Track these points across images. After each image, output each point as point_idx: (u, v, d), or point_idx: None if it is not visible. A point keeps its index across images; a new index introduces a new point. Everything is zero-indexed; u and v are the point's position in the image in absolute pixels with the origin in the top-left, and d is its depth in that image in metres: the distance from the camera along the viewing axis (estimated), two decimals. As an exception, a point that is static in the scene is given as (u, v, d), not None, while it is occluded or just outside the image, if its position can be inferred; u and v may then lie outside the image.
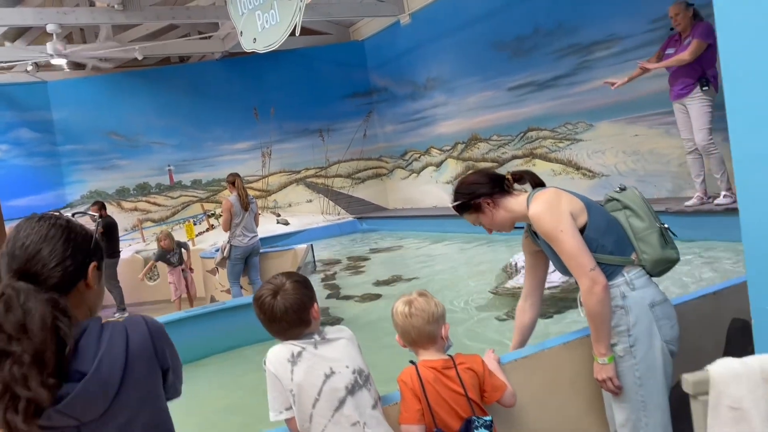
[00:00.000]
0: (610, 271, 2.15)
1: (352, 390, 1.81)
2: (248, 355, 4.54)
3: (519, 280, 4.90)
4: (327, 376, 1.79)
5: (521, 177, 2.36)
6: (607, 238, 2.20)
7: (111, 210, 11.19)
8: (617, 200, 2.33)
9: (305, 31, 9.24)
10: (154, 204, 12.63)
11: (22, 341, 1.08)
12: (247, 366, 4.32)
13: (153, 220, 12.50)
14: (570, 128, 8.57)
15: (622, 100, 7.58)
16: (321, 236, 10.94)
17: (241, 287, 7.36)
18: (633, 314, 2.13)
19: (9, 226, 8.83)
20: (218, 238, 10.66)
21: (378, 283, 6.31)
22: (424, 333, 2.00)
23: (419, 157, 12.10)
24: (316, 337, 1.85)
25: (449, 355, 2.07)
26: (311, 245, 8.00)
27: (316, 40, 12.98)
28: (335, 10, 10.71)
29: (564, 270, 2.28)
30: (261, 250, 7.56)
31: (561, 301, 4.45)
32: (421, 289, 2.18)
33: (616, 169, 7.97)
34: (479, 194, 2.28)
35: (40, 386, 1.07)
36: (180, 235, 10.55)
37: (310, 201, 13.03)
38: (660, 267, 2.22)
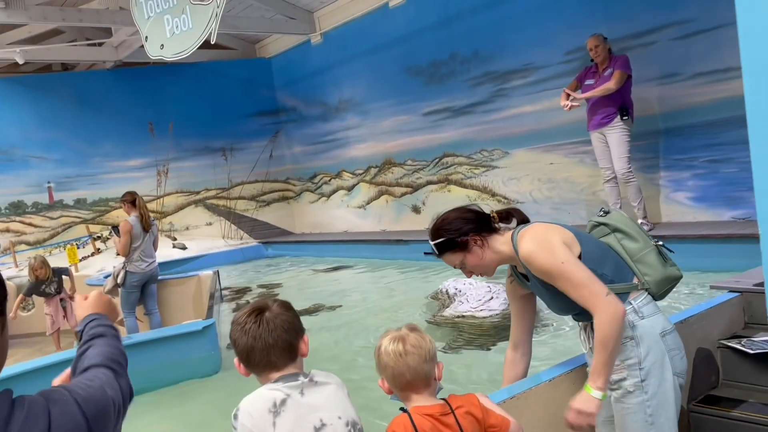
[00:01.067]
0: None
1: None
2: (163, 400, 3.88)
3: (458, 308, 4.66)
4: (317, 430, 1.52)
5: (508, 215, 2.17)
6: (605, 267, 2.04)
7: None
8: (604, 224, 2.19)
9: (208, 44, 8.65)
10: (30, 225, 11.29)
11: None
12: (154, 415, 3.66)
13: (28, 243, 11.15)
14: (486, 155, 8.59)
15: (538, 128, 7.69)
16: (223, 262, 10.23)
17: (137, 319, 6.59)
18: (644, 345, 1.97)
19: None
20: (106, 262, 9.68)
21: (300, 313, 5.82)
22: (421, 374, 1.72)
23: (330, 180, 11.75)
24: (302, 378, 1.59)
25: (443, 399, 1.77)
26: (217, 271, 7.36)
27: (220, 54, 12.37)
28: (243, 23, 10.22)
29: (560, 309, 2.13)
30: (159, 277, 6.84)
31: (503, 331, 4.24)
32: (411, 323, 1.88)
33: (531, 196, 8.05)
34: (467, 231, 2.06)
35: None
36: (61, 259, 9.45)
37: (210, 224, 12.24)
38: (664, 287, 2.09)
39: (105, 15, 9.20)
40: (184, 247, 10.90)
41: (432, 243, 2.08)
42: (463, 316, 4.46)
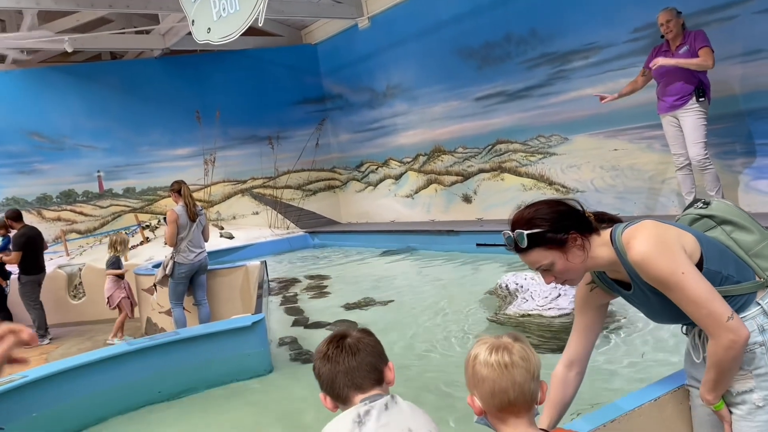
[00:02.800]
0: (742, 302, 1.73)
1: None
2: (211, 402, 3.67)
3: (522, 306, 4.30)
4: None
5: (600, 216, 1.85)
6: (728, 267, 1.74)
7: (30, 220, 9.96)
8: (709, 217, 1.87)
9: (253, 31, 8.48)
10: (81, 213, 11.39)
11: None
12: (201, 419, 3.45)
13: (79, 232, 11.27)
14: (543, 141, 8.15)
15: (600, 112, 7.20)
16: (270, 251, 10.09)
17: (185, 309, 6.48)
18: None
19: None
20: (154, 252, 9.66)
21: (349, 307, 5.57)
22: (527, 394, 1.45)
23: (377, 168, 11.47)
24: (387, 397, 1.49)
25: (544, 431, 1.53)
26: (264, 262, 7.18)
27: (266, 41, 12.21)
28: (289, 8, 10.00)
29: (669, 319, 1.85)
30: (208, 267, 6.71)
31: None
32: (512, 331, 1.61)
33: (593, 185, 7.58)
34: (568, 226, 1.73)
35: None
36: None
37: (257, 213, 12.14)
38: None
39: (152, 0, 9.11)
40: (231, 237, 10.82)
41: (525, 232, 1.71)
42: (530, 315, 4.11)
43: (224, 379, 3.83)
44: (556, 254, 1.73)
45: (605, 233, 1.78)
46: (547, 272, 1.77)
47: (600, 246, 1.76)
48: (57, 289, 9.21)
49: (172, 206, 6.53)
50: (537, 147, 8.25)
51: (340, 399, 1.51)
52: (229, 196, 12.08)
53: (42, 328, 8.14)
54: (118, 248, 7.54)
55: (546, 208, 1.77)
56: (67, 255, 10.40)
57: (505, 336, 1.51)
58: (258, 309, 4.57)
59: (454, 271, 6.99)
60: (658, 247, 1.64)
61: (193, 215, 6.37)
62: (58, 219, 11.18)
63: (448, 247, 8.13)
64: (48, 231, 10.56)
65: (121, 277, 7.53)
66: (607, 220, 1.84)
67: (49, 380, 3.42)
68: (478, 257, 7.28)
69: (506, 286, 4.98)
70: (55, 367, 3.54)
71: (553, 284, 4.51)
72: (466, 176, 9.45)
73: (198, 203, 6.74)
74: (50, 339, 8.15)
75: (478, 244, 7.80)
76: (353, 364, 1.50)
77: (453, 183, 9.73)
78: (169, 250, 6.48)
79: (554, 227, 1.72)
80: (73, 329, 8.77)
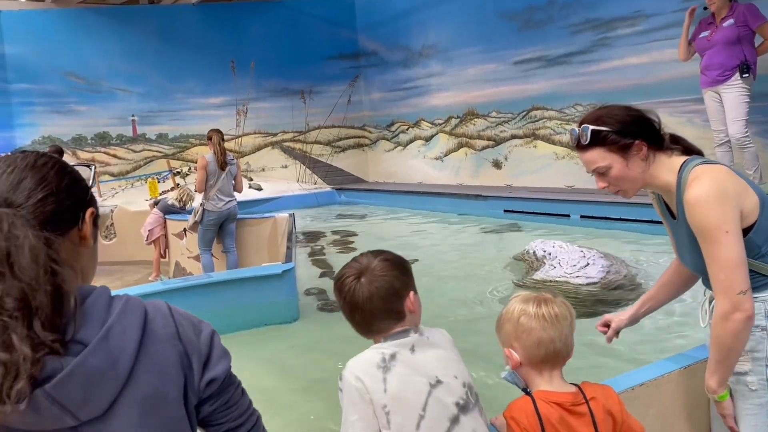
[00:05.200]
0: (762, 284, 1.65)
1: (464, 407, 1.35)
2: (240, 344, 3.75)
3: (549, 272, 4.32)
4: (432, 387, 1.33)
5: (677, 140, 1.75)
6: None
7: (65, 160, 10.13)
8: None
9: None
10: (114, 156, 11.59)
11: (5, 278, 0.79)
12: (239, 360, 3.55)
13: (112, 174, 11.48)
14: (580, 110, 8.00)
15: (642, 83, 7.04)
16: (297, 205, 10.17)
17: (213, 256, 6.61)
18: None
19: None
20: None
21: (375, 266, 5.63)
22: (569, 346, 1.49)
23: (407, 129, 11.40)
24: (413, 335, 1.40)
25: (576, 385, 1.51)
26: (293, 214, 7.26)
27: (303, -8, 12.07)
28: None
29: (694, 266, 1.77)
30: (238, 216, 6.80)
31: (603, 301, 3.88)
32: (543, 292, 1.60)
33: (627, 157, 7.46)
34: (637, 133, 1.64)
35: (25, 343, 0.77)
36: (142, 192, 9.66)
37: (286, 167, 12.21)
38: None
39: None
40: (259, 188, 10.93)
41: (591, 127, 1.64)
42: (556, 282, 4.12)
43: (253, 324, 3.94)
44: (616, 158, 1.64)
45: (676, 159, 1.70)
46: (602, 176, 1.69)
47: (665, 168, 1.68)
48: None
49: (205, 153, 6.60)
50: (573, 115, 8.11)
51: (360, 332, 1.47)
52: (259, 148, 12.15)
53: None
54: (185, 199, 7.69)
55: (620, 110, 1.69)
56: (100, 196, 10.61)
57: (544, 293, 1.54)
58: (288, 258, 4.65)
59: (481, 235, 7.00)
60: (715, 198, 1.57)
61: (222, 164, 6.42)
62: (92, 160, 11.37)
63: (475, 212, 8.12)
64: (83, 172, 10.74)
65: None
66: (684, 146, 1.74)
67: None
68: (505, 224, 7.26)
69: (534, 252, 4.98)
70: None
71: (581, 253, 4.53)
72: (497, 141, 9.36)
73: (230, 153, 6.80)
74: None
75: (505, 210, 7.79)
76: (366, 315, 1.41)
77: (484, 147, 9.64)
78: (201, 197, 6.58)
79: (622, 130, 1.63)
80: (104, 269, 8.98)
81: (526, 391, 1.49)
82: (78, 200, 0.97)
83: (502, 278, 4.77)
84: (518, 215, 7.50)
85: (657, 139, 1.68)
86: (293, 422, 2.70)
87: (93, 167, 1.11)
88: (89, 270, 1.01)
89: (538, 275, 4.35)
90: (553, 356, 1.47)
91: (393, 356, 1.34)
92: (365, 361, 1.35)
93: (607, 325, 2.06)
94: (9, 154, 0.96)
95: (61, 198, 0.93)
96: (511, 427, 1.43)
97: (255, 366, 3.37)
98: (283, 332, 3.89)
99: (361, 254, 1.48)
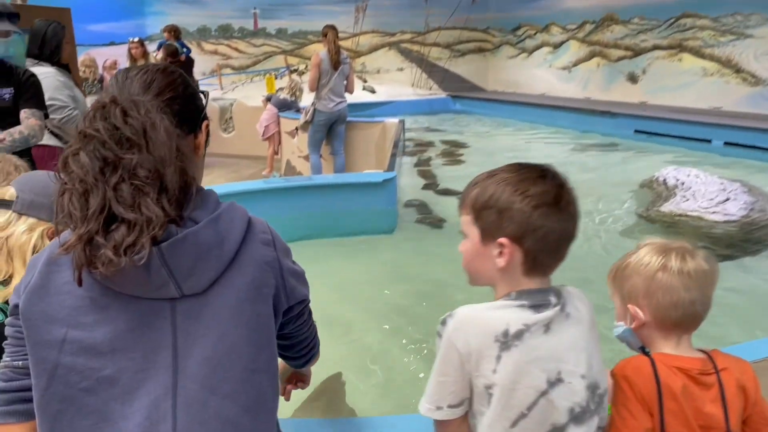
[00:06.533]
0: None
1: (579, 417, 1.09)
2: (335, 251, 3.71)
3: (680, 205, 3.82)
4: (550, 385, 1.07)
5: None
6: None
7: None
8: None
9: None
10: (236, 50, 11.74)
11: (141, 150, 0.86)
12: (333, 265, 3.49)
13: (233, 67, 11.68)
14: (740, 20, 6.89)
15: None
16: (409, 111, 9.88)
17: (322, 157, 6.58)
18: None
19: (85, 53, 8.26)
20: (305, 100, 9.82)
21: (485, 183, 5.31)
22: (706, 311, 1.23)
23: (535, 34, 10.52)
24: (553, 301, 1.09)
25: (705, 353, 1.24)
26: (403, 121, 7.00)
27: None
28: None
29: None
30: (347, 119, 6.66)
31: (742, 244, 3.38)
32: (679, 240, 1.27)
33: (793, 77, 6.41)
34: None
35: (157, 206, 0.85)
36: (260, 87, 9.77)
37: (401, 69, 11.81)
38: None
39: None
40: (373, 91, 10.70)
41: None
42: (688, 216, 3.63)
43: (349, 232, 3.84)
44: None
45: None
46: None
47: None
48: (209, 119, 9.74)
49: (320, 51, 6.41)
50: (731, 26, 7.01)
51: (511, 267, 1.08)
52: (375, 49, 11.79)
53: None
54: (297, 94, 7.76)
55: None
56: (221, 89, 10.88)
57: (683, 243, 1.23)
58: (391, 167, 4.46)
59: (605, 156, 6.41)
60: None
61: (336, 63, 6.21)
62: (215, 53, 11.61)
63: (601, 130, 7.45)
64: (205, 63, 11.06)
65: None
66: None
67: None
68: (634, 145, 6.59)
69: (664, 180, 4.44)
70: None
71: (721, 185, 3.96)
72: (636, 52, 8.39)
73: (345, 52, 6.56)
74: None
75: (636, 131, 7.06)
76: (569, 229, 1.08)
77: (619, 58, 8.70)
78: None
79: None
80: (221, 161, 9.33)
81: (644, 351, 1.24)
82: (198, 108, 1.08)
83: (624, 207, 4.31)
84: (650, 137, 6.78)
85: None
86: (373, 343, 2.59)
87: (207, 94, 1.14)
88: (198, 179, 1.07)
89: (667, 207, 3.86)
90: (690, 320, 1.21)
91: (519, 335, 1.05)
92: (484, 326, 1.07)
93: None
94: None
95: (186, 102, 1.04)
96: (622, 388, 1.19)
97: (346, 275, 3.30)
98: (379, 243, 3.76)
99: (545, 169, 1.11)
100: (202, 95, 1.13)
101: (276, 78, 10.47)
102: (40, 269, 0.89)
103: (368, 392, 2.18)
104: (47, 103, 2.90)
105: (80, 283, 0.84)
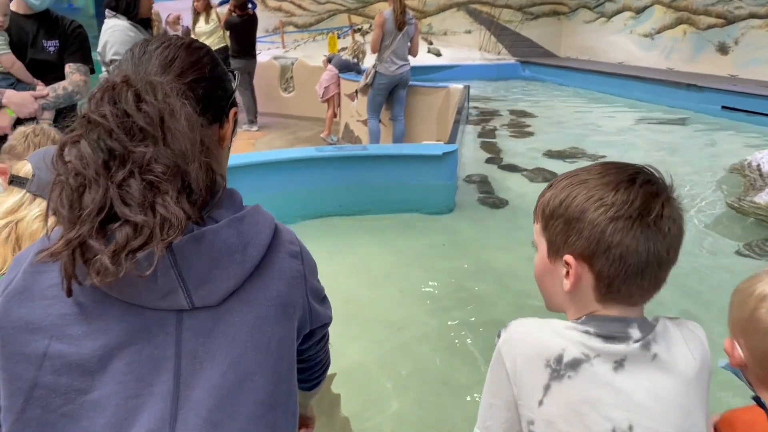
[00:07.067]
0: None
1: None
2: (387, 228, 3.47)
3: (779, 199, 3.37)
4: None
5: None
6: None
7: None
8: None
9: None
10: (299, 7, 11.48)
11: (157, 143, 0.72)
12: (383, 244, 3.26)
13: (296, 25, 11.45)
14: None
15: None
16: (475, 76, 9.45)
17: (381, 122, 6.33)
18: None
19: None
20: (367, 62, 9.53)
21: (551, 155, 4.95)
22: None
23: (616, -4, 9.81)
24: (635, 340, 0.84)
25: None
26: (468, 87, 6.64)
27: None
28: None
29: None
30: (410, 83, 6.36)
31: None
32: None
33: None
34: None
35: (175, 207, 0.71)
36: (322, 46, 9.52)
37: (469, 32, 11.29)
38: None
39: None
40: (438, 54, 10.27)
41: None
42: (788, 212, 3.20)
43: (403, 208, 3.59)
44: None
45: None
46: None
47: None
48: (270, 78, 9.58)
49: (384, 10, 6.10)
50: None
51: (591, 288, 0.85)
52: (443, 9, 11.29)
53: (251, 114, 8.60)
54: (360, 56, 7.54)
55: None
56: (284, 47, 10.69)
57: None
58: (452, 138, 4.16)
59: (689, 135, 5.89)
60: None
61: (400, 24, 5.90)
62: (279, 9, 11.39)
63: (685, 105, 6.88)
64: (269, 20, 10.86)
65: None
66: None
67: (241, 170, 3.43)
68: (722, 123, 6.04)
69: (758, 166, 3.97)
70: (245, 159, 3.55)
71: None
72: (729, 20, 7.64)
73: (410, 12, 6.22)
74: (258, 127, 8.66)
75: (724, 107, 6.46)
76: (660, 252, 0.83)
77: (709, 26, 7.96)
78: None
79: None
80: (280, 121, 9.22)
81: (759, 401, 0.99)
82: (226, 93, 0.92)
83: (711, 195, 3.89)
84: (741, 115, 6.18)
85: None
86: (422, 339, 2.36)
87: (236, 77, 0.88)
88: (222, 172, 0.93)
89: (762, 198, 3.42)
90: None
91: (575, 364, 0.82)
92: (535, 345, 0.86)
93: None
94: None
95: (212, 86, 0.89)
96: None
97: (395, 260, 3.06)
98: (435, 224, 3.49)
99: (639, 169, 0.89)
100: (232, 77, 0.97)
101: (339, 38, 10.20)
102: (26, 268, 0.75)
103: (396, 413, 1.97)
104: (111, 57, 2.76)
105: (69, 294, 0.70)
